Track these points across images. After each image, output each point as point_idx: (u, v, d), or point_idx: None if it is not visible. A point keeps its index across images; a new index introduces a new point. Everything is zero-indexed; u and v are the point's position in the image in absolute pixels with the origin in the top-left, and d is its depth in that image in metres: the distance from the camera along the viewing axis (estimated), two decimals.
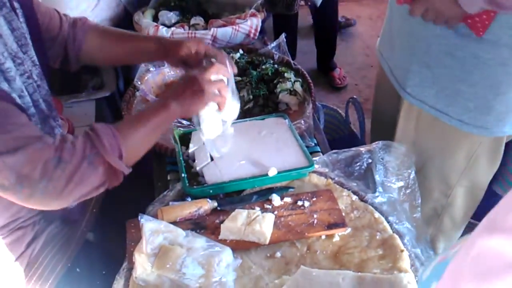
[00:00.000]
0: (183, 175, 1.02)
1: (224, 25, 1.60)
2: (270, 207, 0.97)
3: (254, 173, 1.02)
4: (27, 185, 0.75)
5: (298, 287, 0.80)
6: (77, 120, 1.39)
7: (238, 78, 1.36)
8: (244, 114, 1.28)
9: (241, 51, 1.53)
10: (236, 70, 1.02)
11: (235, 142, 1.10)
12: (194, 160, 1.07)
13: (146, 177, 1.22)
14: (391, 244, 0.89)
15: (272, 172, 1.00)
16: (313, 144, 1.24)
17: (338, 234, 0.92)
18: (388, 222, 0.94)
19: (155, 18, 1.70)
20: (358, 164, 1.06)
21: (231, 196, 1.01)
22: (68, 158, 0.77)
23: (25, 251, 1.00)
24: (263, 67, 1.42)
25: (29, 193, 0.76)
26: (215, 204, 0.95)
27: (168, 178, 1.15)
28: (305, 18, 3.55)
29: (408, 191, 1.01)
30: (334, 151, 1.09)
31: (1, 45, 0.81)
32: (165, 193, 1.02)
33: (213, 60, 0.99)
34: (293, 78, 1.37)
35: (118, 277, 0.85)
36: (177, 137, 1.12)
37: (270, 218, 0.91)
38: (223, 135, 1.04)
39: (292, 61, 1.48)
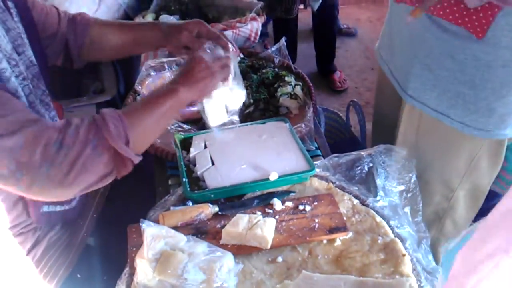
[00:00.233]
0: (184, 179, 1.01)
1: (224, 29, 1.60)
2: (271, 211, 0.97)
3: (255, 178, 1.01)
4: (27, 172, 0.72)
5: None
6: None
7: None
8: (245, 118, 1.28)
9: (241, 55, 1.53)
10: (239, 53, 1.00)
11: (235, 146, 1.10)
12: (195, 165, 1.07)
13: (147, 182, 1.22)
14: (393, 248, 0.89)
15: (273, 177, 1.00)
16: (314, 148, 1.24)
17: (339, 238, 0.92)
18: (390, 226, 0.94)
19: None
20: (359, 168, 1.06)
21: (232, 201, 1.01)
22: (70, 142, 0.74)
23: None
24: (264, 71, 1.42)
25: (30, 181, 0.73)
26: (216, 208, 0.95)
27: (169, 182, 1.15)
28: (305, 21, 3.56)
29: (409, 195, 1.01)
30: (335, 155, 1.08)
31: None
32: (166, 197, 1.01)
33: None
34: (293, 81, 1.37)
35: (119, 282, 0.84)
36: (178, 142, 1.12)
37: (271, 222, 0.90)
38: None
39: (292, 65, 1.48)
